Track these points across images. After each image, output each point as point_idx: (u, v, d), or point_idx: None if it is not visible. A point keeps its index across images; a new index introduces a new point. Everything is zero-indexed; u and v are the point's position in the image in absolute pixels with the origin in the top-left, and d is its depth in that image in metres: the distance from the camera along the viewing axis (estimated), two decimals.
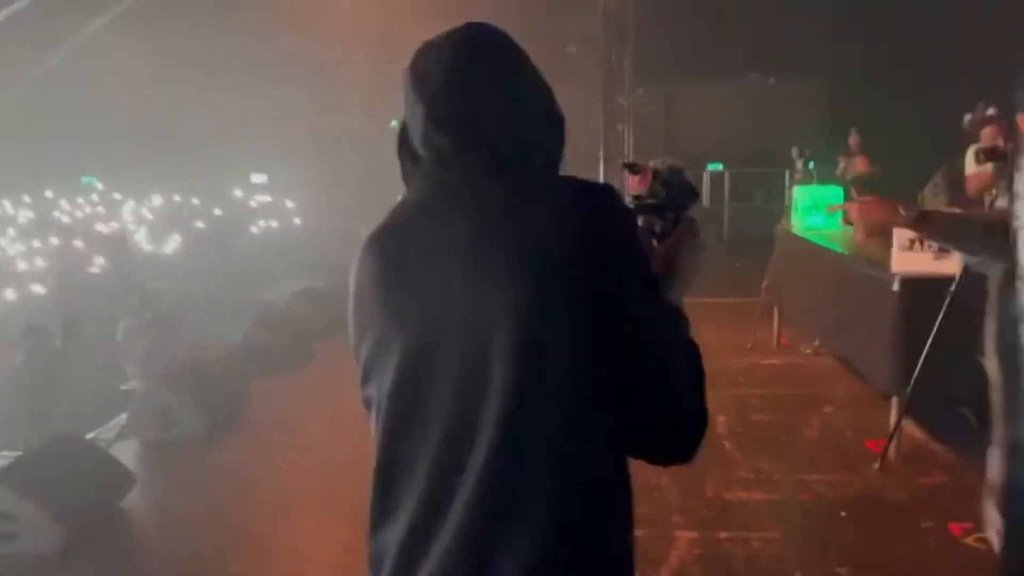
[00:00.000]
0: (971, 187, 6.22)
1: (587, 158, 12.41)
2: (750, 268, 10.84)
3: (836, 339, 5.59)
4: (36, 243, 11.20)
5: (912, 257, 4.29)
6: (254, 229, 11.41)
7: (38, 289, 9.30)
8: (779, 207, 14.15)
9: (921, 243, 4.28)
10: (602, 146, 10.99)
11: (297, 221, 13.73)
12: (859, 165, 9.00)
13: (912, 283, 4.26)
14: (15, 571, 3.68)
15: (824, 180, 9.02)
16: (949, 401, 4.55)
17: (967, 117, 9.03)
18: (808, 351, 6.42)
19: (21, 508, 3.63)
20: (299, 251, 12.03)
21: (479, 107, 1.16)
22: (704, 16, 13.20)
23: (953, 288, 3.98)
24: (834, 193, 6.26)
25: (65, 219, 13.95)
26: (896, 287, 4.29)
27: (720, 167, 14.92)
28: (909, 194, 9.89)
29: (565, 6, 12.67)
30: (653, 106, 14.36)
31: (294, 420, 5.42)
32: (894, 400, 4.40)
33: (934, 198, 6.68)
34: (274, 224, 12.67)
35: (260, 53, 13.79)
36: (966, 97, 9.65)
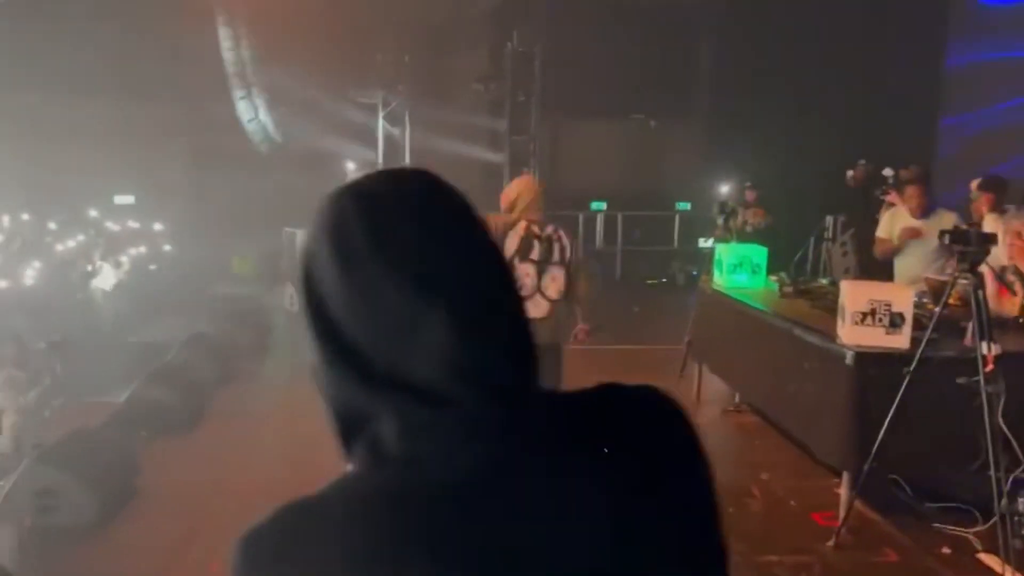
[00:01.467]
0: (880, 250, 6.44)
1: (491, 203, 12.21)
2: (649, 312, 10.95)
3: (770, 403, 5.57)
4: None
5: (863, 331, 4.29)
6: (123, 257, 10.33)
7: None
8: (670, 251, 14.51)
9: (873, 316, 4.31)
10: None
11: (167, 247, 12.68)
12: (757, 216, 9.43)
13: (865, 357, 4.26)
14: None
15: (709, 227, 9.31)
16: (890, 474, 4.61)
17: (849, 173, 9.53)
18: (729, 408, 6.41)
19: None
20: (175, 283, 11.09)
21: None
22: (597, 58, 13.40)
23: (913, 367, 4.00)
24: (758, 252, 6.29)
25: None
26: (850, 361, 4.28)
27: (604, 206, 15.12)
28: (798, 242, 10.32)
29: (475, 44, 12.50)
30: (542, 144, 14.41)
31: (194, 491, 4.82)
32: (844, 475, 4.38)
33: (843, 258, 6.90)
34: (143, 250, 11.56)
35: (123, 66, 12.80)
36: (841, 151, 10.19)
